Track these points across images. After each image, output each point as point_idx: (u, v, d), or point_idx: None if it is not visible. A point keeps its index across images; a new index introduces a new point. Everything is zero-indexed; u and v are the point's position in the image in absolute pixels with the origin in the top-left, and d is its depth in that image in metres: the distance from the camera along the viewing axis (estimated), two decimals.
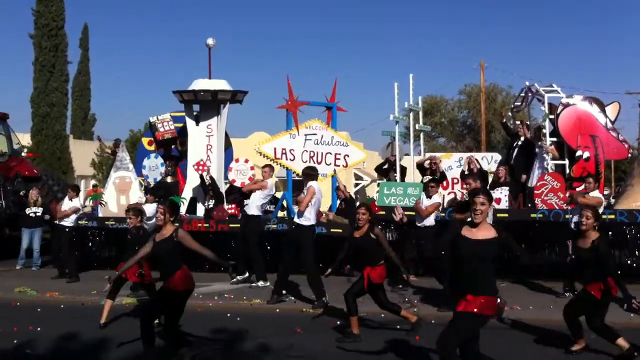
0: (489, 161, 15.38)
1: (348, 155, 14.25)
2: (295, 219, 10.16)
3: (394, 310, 8.13)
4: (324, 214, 13.49)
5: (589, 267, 7.25)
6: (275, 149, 13.57)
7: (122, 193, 13.95)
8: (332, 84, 14.22)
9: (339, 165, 14.12)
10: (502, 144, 17.91)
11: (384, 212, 12.43)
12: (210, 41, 14.95)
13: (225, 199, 13.84)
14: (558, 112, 13.57)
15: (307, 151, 13.79)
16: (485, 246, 5.51)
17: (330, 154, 14.02)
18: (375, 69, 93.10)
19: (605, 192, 21.48)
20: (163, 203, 7.34)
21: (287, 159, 13.67)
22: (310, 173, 10.36)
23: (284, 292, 10.28)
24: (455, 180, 15.06)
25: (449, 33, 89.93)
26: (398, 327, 8.39)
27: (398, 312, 8.12)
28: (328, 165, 13.92)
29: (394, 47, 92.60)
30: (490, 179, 13.96)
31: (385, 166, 15.84)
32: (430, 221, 11.37)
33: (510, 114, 16.55)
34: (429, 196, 11.55)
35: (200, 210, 14.17)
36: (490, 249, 5.53)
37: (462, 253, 5.54)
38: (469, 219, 5.71)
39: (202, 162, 13.72)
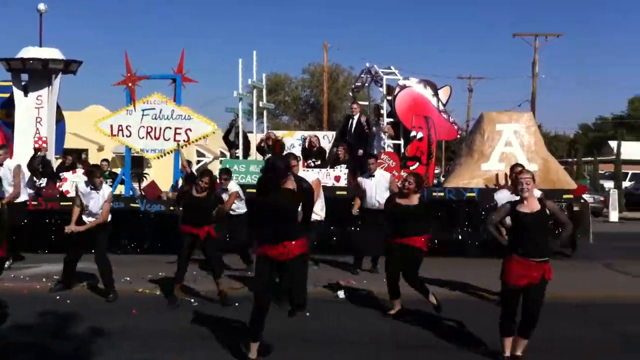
0: (330, 140, 15.71)
1: (190, 130, 13.39)
2: None
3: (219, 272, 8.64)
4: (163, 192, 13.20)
5: (414, 222, 7.82)
6: (112, 125, 13.32)
7: None
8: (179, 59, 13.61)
9: (179, 140, 13.42)
10: (342, 123, 18.32)
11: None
12: (41, 6, 14.02)
13: (56, 176, 13.08)
14: (395, 93, 14.09)
15: (144, 127, 13.34)
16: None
17: (170, 128, 13.36)
18: (221, 45, 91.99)
19: (436, 171, 22.78)
20: None
21: (123, 136, 13.30)
22: None
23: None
24: (298, 158, 15.22)
25: (294, 12, 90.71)
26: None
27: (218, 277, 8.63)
28: (167, 140, 13.40)
29: (240, 24, 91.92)
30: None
31: (232, 137, 15.31)
32: None
33: (350, 93, 16.99)
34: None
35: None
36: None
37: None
38: None
39: (44, 138, 12.94)
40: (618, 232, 18.45)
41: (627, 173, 33.91)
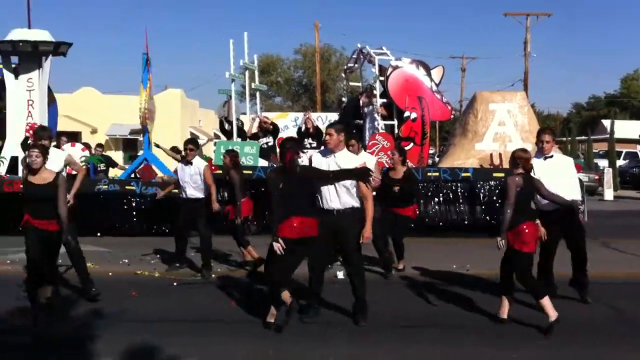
0: (324, 121, 15.68)
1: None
2: None
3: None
4: None
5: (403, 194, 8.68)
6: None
7: None
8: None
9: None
10: (335, 104, 18.30)
11: (221, 172, 12.29)
12: None
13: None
14: (388, 74, 14.07)
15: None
16: None
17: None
18: (213, 25, 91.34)
19: (431, 151, 22.79)
20: None
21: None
22: None
23: None
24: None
25: None
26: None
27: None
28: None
29: (231, 4, 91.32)
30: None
31: (227, 127, 15.21)
32: None
33: (343, 74, 16.95)
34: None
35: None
36: None
37: None
38: None
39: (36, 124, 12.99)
40: (613, 210, 18.52)
41: (621, 152, 33.97)
